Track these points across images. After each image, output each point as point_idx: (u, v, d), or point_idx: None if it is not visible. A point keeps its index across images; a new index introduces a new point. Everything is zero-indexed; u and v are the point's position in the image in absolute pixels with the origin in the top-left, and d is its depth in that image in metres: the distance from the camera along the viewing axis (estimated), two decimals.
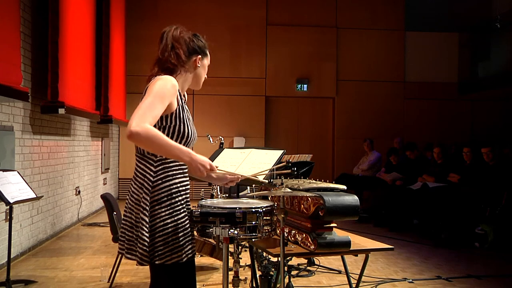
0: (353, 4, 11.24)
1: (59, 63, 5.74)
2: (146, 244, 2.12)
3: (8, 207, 4.28)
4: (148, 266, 2.24)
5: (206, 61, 2.41)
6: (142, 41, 10.28)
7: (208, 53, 2.41)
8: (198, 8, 10.73)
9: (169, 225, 2.16)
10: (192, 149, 2.20)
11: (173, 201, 2.18)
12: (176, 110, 2.20)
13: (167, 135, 2.17)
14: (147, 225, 2.13)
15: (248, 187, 5.19)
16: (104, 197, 4.50)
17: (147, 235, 2.13)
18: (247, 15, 10.97)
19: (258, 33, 11.04)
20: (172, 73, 2.27)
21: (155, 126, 2.15)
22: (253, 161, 3.26)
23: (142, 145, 2.11)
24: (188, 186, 2.30)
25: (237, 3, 10.94)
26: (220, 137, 5.49)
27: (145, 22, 10.51)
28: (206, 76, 2.44)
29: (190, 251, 2.21)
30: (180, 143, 2.20)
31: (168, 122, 2.18)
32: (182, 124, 2.21)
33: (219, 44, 10.55)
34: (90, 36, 7.46)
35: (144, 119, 2.02)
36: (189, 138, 2.25)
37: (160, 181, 2.17)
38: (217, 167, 2.22)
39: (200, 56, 2.35)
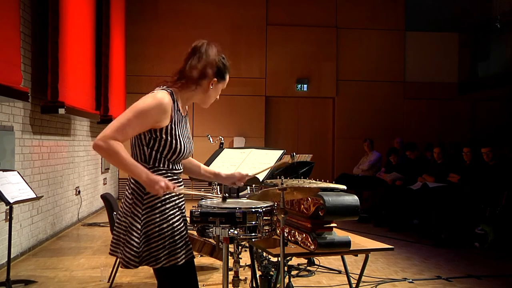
0: (353, 4, 11.24)
1: (59, 63, 5.74)
2: (134, 249, 2.14)
3: (8, 207, 4.28)
4: (148, 267, 2.25)
5: (221, 85, 2.35)
6: (142, 41, 10.29)
7: (227, 78, 2.35)
8: (198, 8, 10.73)
9: (165, 230, 2.18)
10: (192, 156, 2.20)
11: (167, 206, 2.20)
12: (167, 126, 2.18)
13: (158, 147, 2.18)
14: (139, 231, 2.15)
15: (248, 187, 5.19)
16: (104, 197, 4.49)
17: (137, 240, 2.14)
18: (247, 15, 10.97)
19: (258, 33, 11.04)
20: (184, 87, 2.26)
21: (145, 135, 2.18)
22: (253, 161, 3.26)
23: (103, 157, 2.20)
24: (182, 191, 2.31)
25: (237, 3, 10.94)
26: (220, 137, 5.49)
27: (145, 22, 10.51)
28: (218, 97, 2.39)
29: (187, 253, 2.23)
30: (171, 156, 2.22)
31: (159, 135, 2.18)
32: (174, 140, 2.20)
33: (219, 44, 10.53)
34: (90, 36, 7.46)
35: (113, 134, 2.08)
36: (181, 154, 2.23)
37: None
38: (174, 186, 2.20)
39: (216, 79, 2.30)
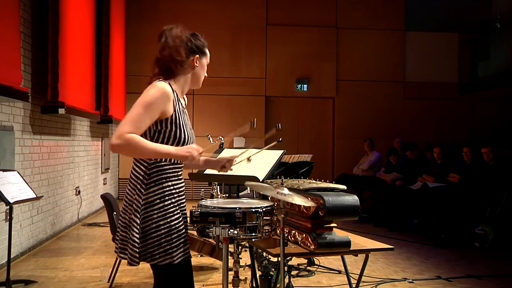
0: (353, 4, 11.24)
1: (59, 63, 5.74)
2: (136, 245, 2.15)
3: (8, 207, 4.28)
4: (149, 266, 2.25)
5: (205, 61, 2.39)
6: (142, 41, 10.28)
7: (207, 52, 2.40)
8: (198, 8, 10.73)
9: (162, 227, 2.17)
10: None
11: (166, 203, 2.20)
12: (172, 115, 2.20)
13: (163, 139, 2.20)
14: (138, 227, 2.16)
15: (248, 187, 5.18)
16: (104, 197, 4.49)
17: (137, 236, 2.15)
18: (247, 15, 10.97)
19: (258, 33, 11.04)
20: (172, 75, 2.28)
21: (150, 129, 2.19)
22: (253, 161, 3.26)
23: (126, 154, 2.20)
24: (182, 189, 2.32)
25: (237, 3, 10.94)
26: (220, 137, 5.49)
27: (145, 22, 10.50)
28: (206, 75, 2.43)
29: (183, 253, 2.22)
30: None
31: (163, 126, 2.20)
32: (178, 129, 2.22)
33: (219, 44, 10.55)
34: (90, 36, 7.46)
35: (127, 129, 2.10)
36: (185, 143, 2.25)
37: (153, 184, 2.19)
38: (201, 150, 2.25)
39: (198, 55, 2.34)
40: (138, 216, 2.16)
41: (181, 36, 2.30)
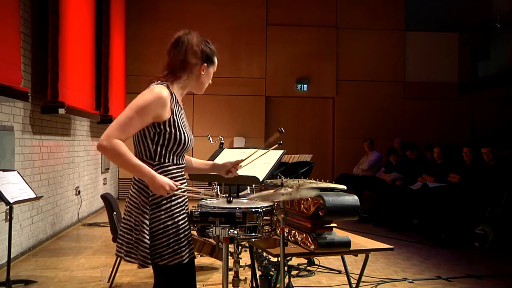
0: (353, 4, 11.24)
1: (59, 63, 5.74)
2: (147, 246, 2.15)
3: (8, 207, 4.28)
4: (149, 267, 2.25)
5: (212, 69, 2.39)
6: (142, 41, 10.29)
7: (215, 61, 2.39)
8: (198, 8, 10.73)
9: (170, 227, 2.18)
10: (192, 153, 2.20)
11: (172, 203, 2.21)
12: (170, 118, 2.20)
13: (163, 141, 2.19)
14: (148, 228, 2.16)
15: (248, 187, 5.19)
16: (104, 197, 4.49)
17: (148, 237, 2.15)
18: (247, 15, 10.97)
19: (258, 33, 11.04)
20: (177, 79, 2.28)
21: (149, 131, 2.18)
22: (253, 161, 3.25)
23: (107, 157, 2.18)
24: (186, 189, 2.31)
25: (237, 3, 10.94)
26: (220, 137, 5.48)
27: (145, 22, 10.51)
28: (210, 82, 2.42)
29: (190, 252, 2.23)
30: (177, 149, 2.23)
31: (163, 128, 2.19)
32: (178, 131, 2.21)
33: (219, 44, 10.50)
34: (90, 36, 7.46)
35: (116, 134, 2.09)
36: (185, 145, 2.25)
37: None
38: (177, 186, 2.21)
39: (206, 64, 2.33)
40: (147, 217, 2.16)
41: (198, 45, 2.30)
